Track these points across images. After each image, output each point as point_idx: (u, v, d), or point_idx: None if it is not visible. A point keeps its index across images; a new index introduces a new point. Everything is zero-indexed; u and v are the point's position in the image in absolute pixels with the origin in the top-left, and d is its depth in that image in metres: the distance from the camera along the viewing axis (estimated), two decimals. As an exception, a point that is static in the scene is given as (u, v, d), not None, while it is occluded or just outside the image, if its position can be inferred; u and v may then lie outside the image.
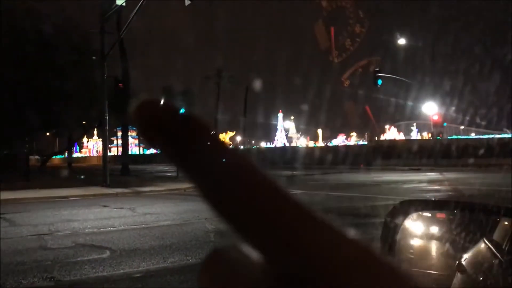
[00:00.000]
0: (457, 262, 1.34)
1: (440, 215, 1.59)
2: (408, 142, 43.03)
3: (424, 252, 1.60)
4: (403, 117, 56.43)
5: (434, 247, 1.56)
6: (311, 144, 61.54)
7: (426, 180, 17.40)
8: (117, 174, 23.46)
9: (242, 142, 62.98)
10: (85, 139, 71.44)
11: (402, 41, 40.84)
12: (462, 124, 50.87)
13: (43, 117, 19.74)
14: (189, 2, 14.51)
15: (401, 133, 55.52)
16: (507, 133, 44.77)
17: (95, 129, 42.19)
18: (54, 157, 40.36)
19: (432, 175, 20.39)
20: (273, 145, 65.72)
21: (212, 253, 0.24)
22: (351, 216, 8.55)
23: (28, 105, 19.05)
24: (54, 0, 22.81)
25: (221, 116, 56.05)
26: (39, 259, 5.57)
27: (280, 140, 69.06)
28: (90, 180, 18.36)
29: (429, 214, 1.60)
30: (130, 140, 37.44)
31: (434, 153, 28.48)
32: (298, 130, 72.14)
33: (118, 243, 6.36)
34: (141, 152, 67.01)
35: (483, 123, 51.82)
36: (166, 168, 28.89)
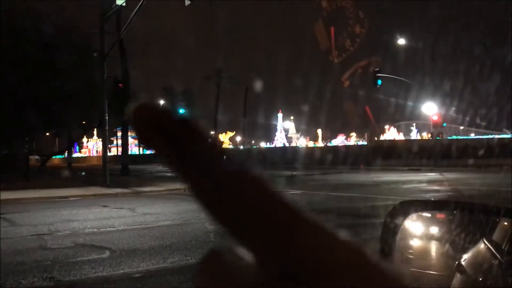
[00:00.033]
0: (457, 262, 1.34)
1: (440, 215, 1.60)
2: (408, 142, 42.91)
3: (423, 253, 1.60)
4: (403, 117, 56.39)
5: (433, 248, 1.56)
6: (311, 144, 61.41)
7: (425, 181, 17.38)
8: (117, 174, 23.41)
9: (242, 142, 63.07)
10: (85, 139, 71.33)
11: (402, 41, 40.81)
12: (462, 124, 50.79)
13: (43, 117, 19.72)
14: (189, 2, 14.51)
15: (401, 134, 55.40)
16: (507, 134, 44.73)
17: (95, 129, 42.16)
18: (54, 157, 40.28)
19: (432, 175, 20.37)
20: (273, 145, 65.63)
21: (210, 254, 0.24)
22: (351, 217, 8.55)
23: (28, 105, 19.04)
24: (54, 0, 22.79)
25: (221, 116, 56.14)
26: (39, 259, 5.58)
27: (280, 140, 68.96)
28: (90, 180, 18.34)
29: (429, 215, 1.60)
30: (130, 140, 37.35)
31: (434, 154, 28.42)
32: (298, 130, 72.07)
33: (118, 243, 6.36)
34: (141, 152, 66.91)
35: (483, 123, 51.79)
36: (166, 168, 28.73)
